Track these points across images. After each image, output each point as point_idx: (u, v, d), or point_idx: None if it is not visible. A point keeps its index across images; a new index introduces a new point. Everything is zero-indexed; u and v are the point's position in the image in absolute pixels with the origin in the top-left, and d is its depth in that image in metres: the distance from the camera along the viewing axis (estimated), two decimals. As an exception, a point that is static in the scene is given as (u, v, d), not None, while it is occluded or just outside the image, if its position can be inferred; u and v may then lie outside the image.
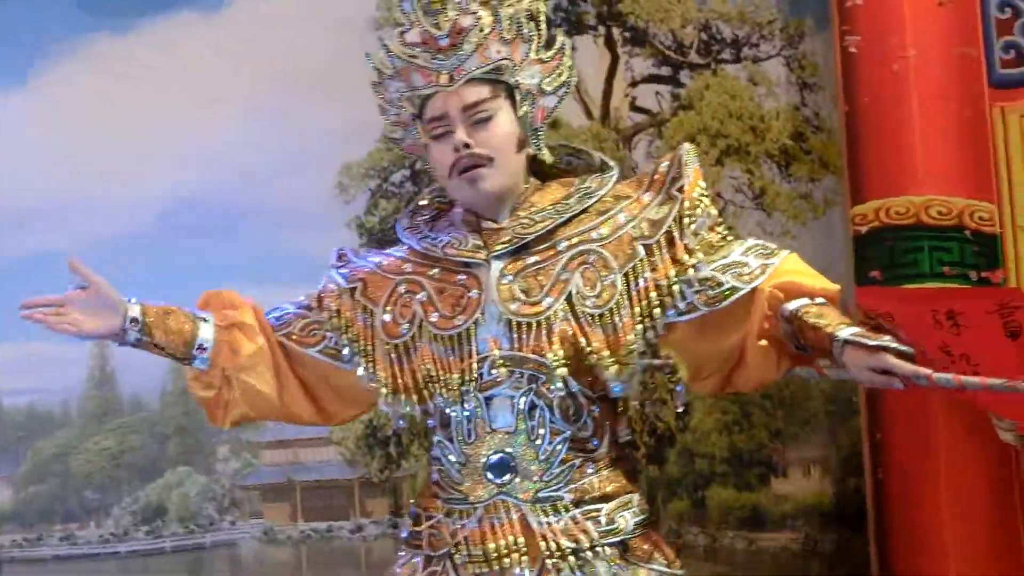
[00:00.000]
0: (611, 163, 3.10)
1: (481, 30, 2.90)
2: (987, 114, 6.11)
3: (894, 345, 2.73)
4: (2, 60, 8.94)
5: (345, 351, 2.98)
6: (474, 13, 2.90)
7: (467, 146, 2.88)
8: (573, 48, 9.03)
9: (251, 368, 3.05)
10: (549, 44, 3.01)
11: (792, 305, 2.89)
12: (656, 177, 3.05)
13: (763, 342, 2.91)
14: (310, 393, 3.07)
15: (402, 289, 2.98)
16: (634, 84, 8.97)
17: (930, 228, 6.01)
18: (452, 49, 2.88)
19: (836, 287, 2.96)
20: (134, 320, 2.92)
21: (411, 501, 3.06)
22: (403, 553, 3.01)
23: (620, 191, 3.05)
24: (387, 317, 2.97)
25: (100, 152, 7.70)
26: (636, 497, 2.96)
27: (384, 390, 2.92)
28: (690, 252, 2.96)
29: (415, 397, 2.89)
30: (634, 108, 8.97)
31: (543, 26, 2.95)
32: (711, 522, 8.62)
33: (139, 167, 7.74)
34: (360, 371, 2.93)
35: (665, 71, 8.89)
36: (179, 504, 8.41)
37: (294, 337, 3.03)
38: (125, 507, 8.61)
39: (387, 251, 3.06)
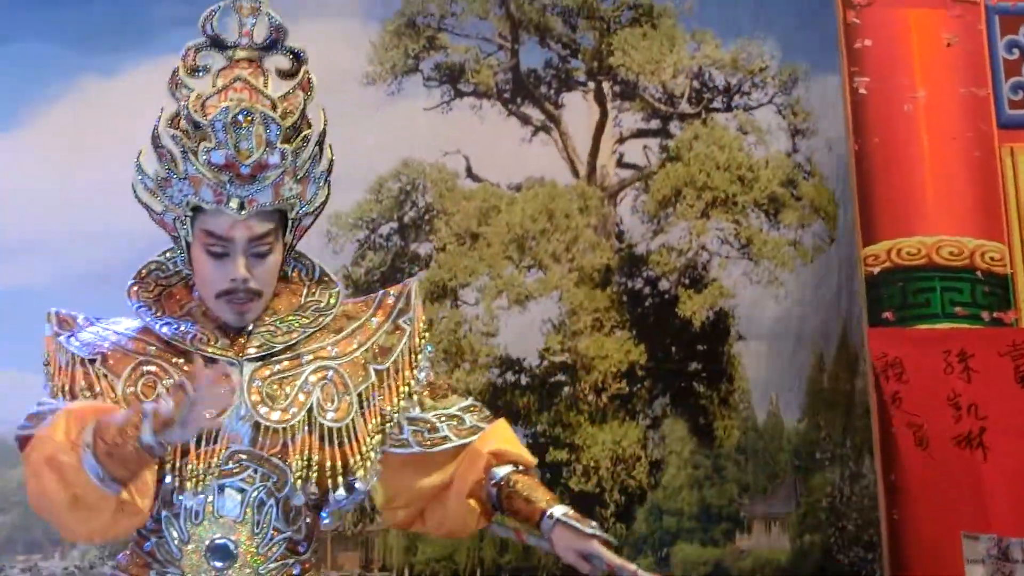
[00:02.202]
0: (332, 276, 3.03)
1: (281, 169, 2.78)
2: (996, 154, 5.91)
3: (603, 535, 2.80)
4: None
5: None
6: (280, 150, 2.75)
7: (245, 281, 2.75)
8: (560, 105, 9.40)
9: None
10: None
11: (501, 471, 2.94)
12: (384, 304, 3.00)
13: (471, 501, 2.94)
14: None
15: (147, 369, 2.77)
16: (622, 140, 8.74)
17: (942, 268, 5.83)
18: (251, 180, 2.72)
19: (534, 460, 3.03)
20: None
21: (111, 563, 2.86)
22: None
23: (349, 310, 2.99)
24: (128, 390, 2.74)
25: (86, 187, 7.38)
26: None
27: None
28: (414, 391, 2.95)
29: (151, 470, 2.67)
30: (621, 164, 8.76)
31: (325, 147, 2.81)
32: None
33: (121, 202, 7.38)
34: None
35: (654, 124, 8.66)
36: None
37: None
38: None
39: (115, 322, 2.83)
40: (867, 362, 6.01)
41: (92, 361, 2.77)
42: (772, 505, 8.37)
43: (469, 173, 8.84)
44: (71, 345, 2.79)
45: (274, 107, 2.78)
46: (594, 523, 2.76)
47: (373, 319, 2.93)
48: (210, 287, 2.78)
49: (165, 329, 2.80)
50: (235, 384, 2.65)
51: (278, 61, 2.91)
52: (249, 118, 2.70)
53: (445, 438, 2.88)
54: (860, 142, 5.90)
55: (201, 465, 2.69)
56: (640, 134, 8.76)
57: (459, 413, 2.94)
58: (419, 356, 2.94)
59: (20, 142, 8.31)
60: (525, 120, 8.84)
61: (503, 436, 2.99)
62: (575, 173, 8.76)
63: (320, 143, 2.85)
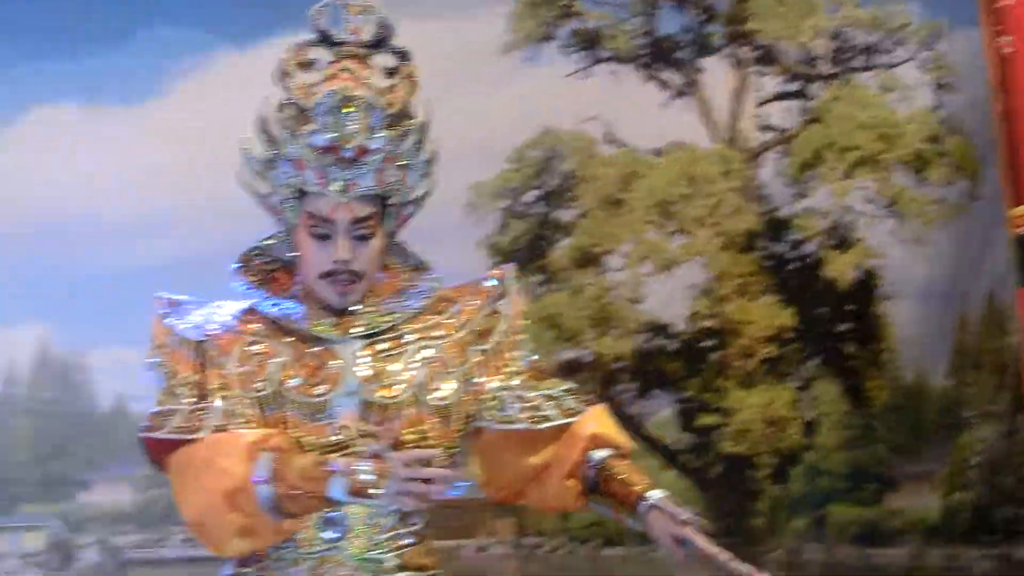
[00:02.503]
0: (428, 263, 2.95)
1: (384, 153, 2.76)
2: None
3: (698, 521, 2.71)
4: (128, 80, 8.96)
5: (202, 403, 2.77)
6: (383, 137, 2.75)
7: (347, 262, 2.74)
8: (699, 70, 9.34)
9: None
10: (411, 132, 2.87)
11: (599, 454, 2.88)
12: (482, 288, 2.97)
13: (570, 481, 2.90)
14: None
15: (255, 348, 2.81)
16: (762, 104, 8.67)
17: (1088, 227, 5.61)
18: (353, 164, 2.73)
19: (632, 445, 2.95)
20: None
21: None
22: None
23: (447, 294, 2.96)
24: (240, 369, 2.78)
25: (218, 165, 7.50)
26: (440, 573, 2.88)
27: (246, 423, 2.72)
28: (516, 371, 2.91)
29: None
30: (762, 127, 8.70)
31: (428, 140, 2.80)
32: (829, 538, 8.39)
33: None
34: (218, 402, 2.71)
35: (794, 86, 8.58)
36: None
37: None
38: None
39: (220, 304, 2.84)
40: (1017, 322, 5.87)
41: (201, 342, 2.81)
42: (921, 464, 8.36)
43: (609, 139, 8.86)
44: (179, 328, 2.84)
45: (377, 96, 2.77)
46: (690, 510, 2.72)
47: (473, 302, 2.93)
48: (313, 268, 2.79)
49: (273, 309, 2.83)
50: (340, 359, 2.74)
51: (384, 59, 2.94)
52: (352, 104, 2.72)
53: (548, 416, 2.85)
54: (1005, 102, 5.72)
55: (311, 439, 2.71)
56: (780, 97, 8.70)
57: (561, 395, 2.88)
58: (519, 339, 2.91)
59: (152, 118, 8.53)
60: (664, 85, 8.80)
61: (603, 420, 2.94)
62: (715, 137, 8.73)
63: (422, 135, 2.82)
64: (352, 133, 2.72)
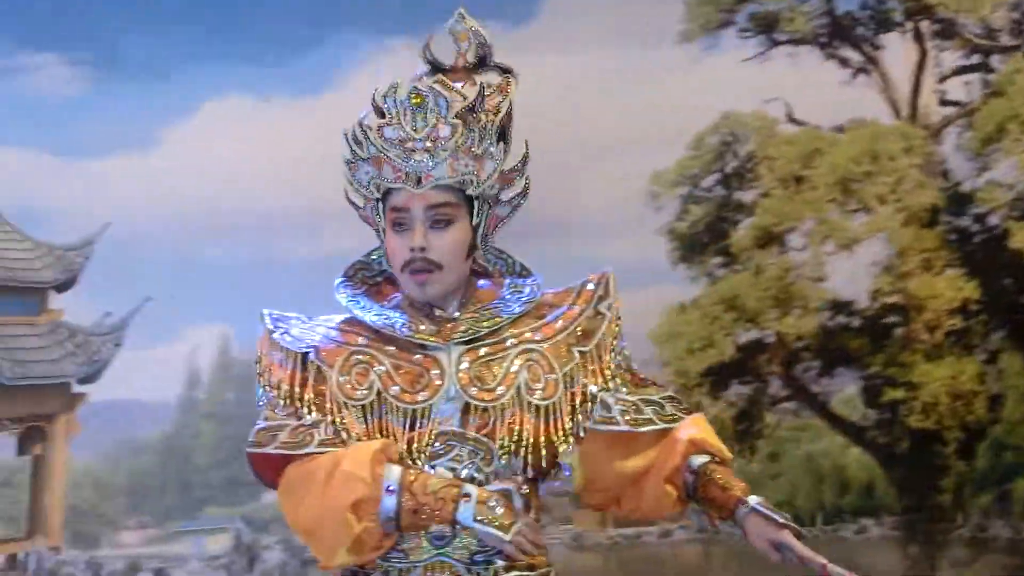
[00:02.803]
0: (530, 269, 2.93)
1: (456, 142, 2.77)
2: None
3: (795, 526, 2.66)
4: (304, 71, 9.19)
5: (307, 416, 2.79)
6: (453, 124, 2.76)
7: (423, 250, 2.76)
8: (879, 47, 9.33)
9: None
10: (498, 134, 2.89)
11: (699, 460, 2.85)
12: (584, 291, 2.93)
13: (668, 486, 2.87)
14: None
15: (356, 359, 2.83)
16: (943, 78, 8.59)
17: None
18: (426, 153, 2.77)
19: (730, 455, 2.89)
20: None
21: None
22: None
23: (550, 299, 2.93)
24: (343, 379, 2.80)
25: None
26: (552, 571, 2.85)
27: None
28: (616, 374, 2.88)
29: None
30: (943, 102, 8.63)
31: (510, 136, 2.82)
32: (1015, 515, 8.24)
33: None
34: (320, 417, 2.74)
35: (974, 60, 8.50)
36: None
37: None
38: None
39: (325, 319, 2.88)
40: None
41: (306, 354, 2.84)
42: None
43: (790, 118, 8.94)
44: (285, 341, 2.87)
45: (448, 89, 2.81)
46: (787, 515, 2.67)
47: (575, 306, 2.92)
48: (396, 261, 2.81)
49: (375, 319, 2.85)
50: (442, 367, 2.76)
51: (489, 77, 3.01)
52: (422, 96, 2.75)
53: (649, 420, 2.86)
54: None
55: (413, 447, 2.75)
56: (961, 71, 8.62)
57: (661, 400, 2.89)
58: (618, 341, 2.89)
59: (330, 106, 8.69)
60: (844, 63, 8.84)
61: (702, 427, 2.91)
62: (896, 113, 8.69)
63: (504, 132, 2.83)
64: (422, 123, 2.77)
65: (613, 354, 2.85)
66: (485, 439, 2.73)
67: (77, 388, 10.75)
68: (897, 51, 8.62)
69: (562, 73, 8.72)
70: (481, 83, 2.84)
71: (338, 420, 2.76)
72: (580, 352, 2.83)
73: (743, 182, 8.97)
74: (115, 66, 9.97)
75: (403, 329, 2.79)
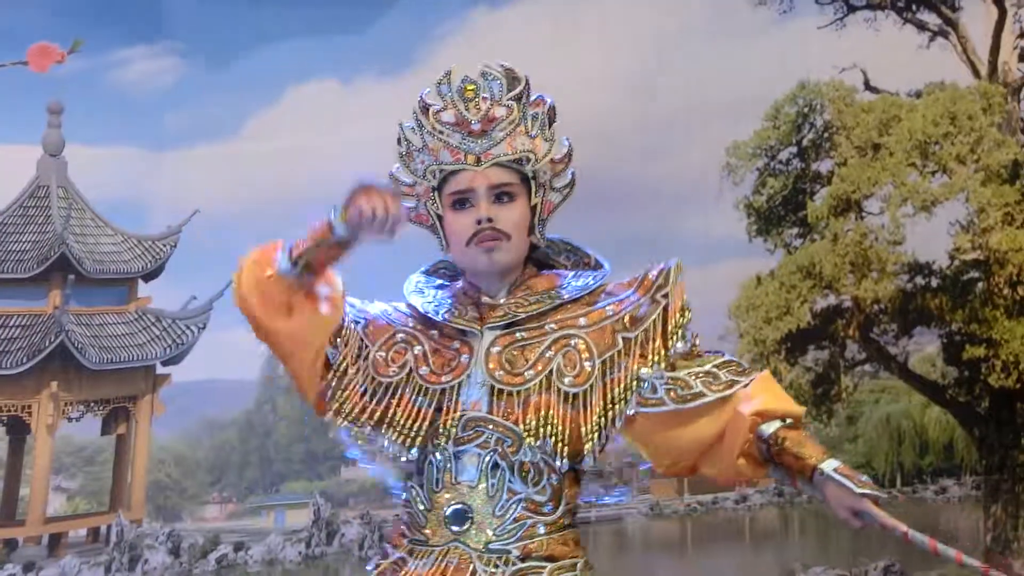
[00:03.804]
0: (604, 262, 2.94)
1: (512, 122, 2.83)
2: None
3: (875, 493, 2.64)
4: (388, 50, 9.22)
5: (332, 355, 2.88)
6: (507, 106, 2.82)
7: (490, 220, 2.80)
8: (957, 8, 9.23)
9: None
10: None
11: (769, 428, 2.81)
12: (644, 281, 2.88)
13: (741, 460, 2.84)
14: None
15: (399, 338, 2.90)
16: (1023, 35, 8.49)
17: None
18: (483, 134, 2.83)
19: (802, 409, 2.87)
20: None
21: (384, 543, 2.90)
22: None
23: (609, 288, 2.92)
24: (380, 355, 2.88)
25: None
26: (580, 563, 2.80)
27: (338, 408, 2.80)
28: (665, 353, 2.83)
29: (381, 430, 2.76)
30: (1023, 59, 8.50)
31: (555, 130, 2.83)
32: None
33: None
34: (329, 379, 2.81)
35: (1056, 15, 8.43)
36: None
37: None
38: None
39: (394, 304, 2.96)
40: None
41: (357, 323, 2.93)
42: None
43: (867, 86, 8.86)
44: (350, 314, 2.95)
45: (499, 70, 2.82)
46: (866, 478, 2.66)
47: (633, 294, 2.89)
48: (460, 238, 2.82)
49: (425, 305, 2.93)
50: (473, 351, 2.79)
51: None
52: (474, 84, 2.80)
53: (699, 394, 2.82)
54: None
55: (440, 429, 2.75)
56: (1043, 27, 8.54)
57: (713, 370, 2.83)
58: (671, 326, 2.85)
59: (413, 84, 8.67)
60: (921, 27, 8.79)
61: (768, 390, 2.87)
62: (976, 74, 8.62)
63: (551, 116, 2.86)
64: (476, 106, 2.81)
65: (663, 339, 2.81)
66: (512, 424, 2.75)
67: (161, 370, 10.93)
68: (976, 12, 8.51)
69: (634, 39, 8.75)
70: (526, 76, 2.87)
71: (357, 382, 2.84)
72: (624, 338, 2.82)
73: (820, 152, 8.89)
74: (200, 56, 10.10)
75: (444, 315, 2.85)
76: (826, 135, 8.90)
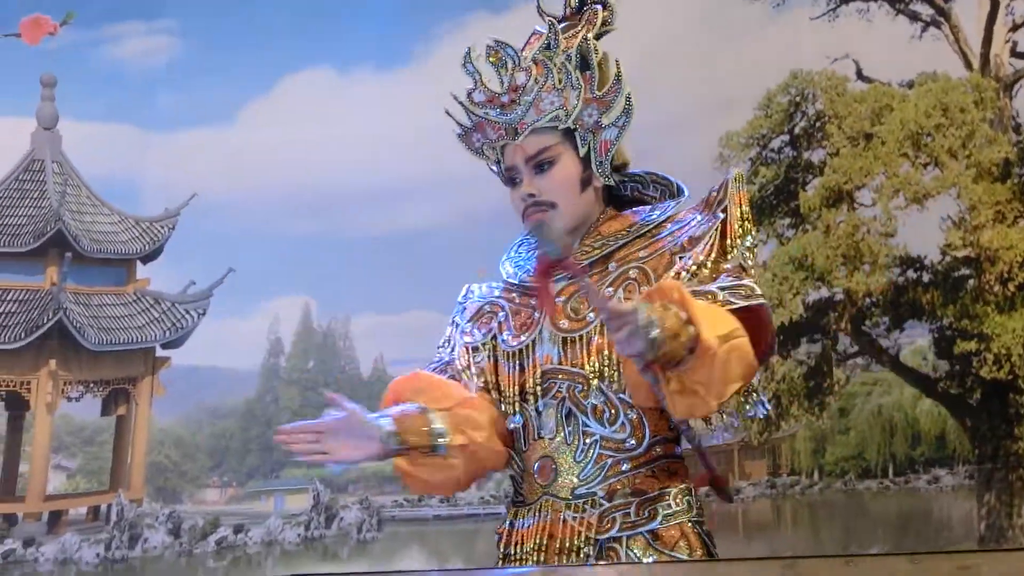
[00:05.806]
0: (685, 189, 2.86)
1: (535, 82, 2.79)
2: None
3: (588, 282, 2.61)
4: (387, 42, 9.11)
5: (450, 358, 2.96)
6: (526, 69, 2.79)
7: (531, 195, 2.80)
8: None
9: (489, 435, 2.85)
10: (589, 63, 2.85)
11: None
12: (708, 200, 2.82)
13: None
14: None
15: (486, 308, 2.96)
16: (1015, 28, 8.39)
17: None
18: (512, 105, 2.80)
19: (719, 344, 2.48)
20: (392, 434, 2.77)
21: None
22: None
23: (677, 215, 2.84)
24: (468, 326, 2.95)
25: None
26: (674, 491, 2.76)
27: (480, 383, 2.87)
28: (689, 268, 2.74)
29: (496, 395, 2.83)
30: (1015, 53, 8.42)
31: (595, 63, 2.80)
32: None
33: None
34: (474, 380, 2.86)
35: (1049, 9, 8.30)
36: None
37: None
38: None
39: (491, 283, 2.99)
40: None
41: (460, 303, 2.99)
42: None
43: (860, 75, 8.77)
44: (462, 295, 3.02)
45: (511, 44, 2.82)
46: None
47: (697, 216, 2.82)
48: (518, 214, 2.86)
49: (510, 270, 2.95)
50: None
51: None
52: (493, 54, 2.79)
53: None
54: None
55: (515, 388, 2.79)
56: (1034, 21, 8.42)
57: (716, 290, 2.65)
58: (732, 243, 2.74)
59: (410, 79, 8.63)
60: (914, 17, 8.67)
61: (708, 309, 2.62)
62: (968, 66, 8.50)
63: (586, 61, 2.81)
64: (500, 78, 2.79)
65: (725, 253, 2.71)
66: (578, 369, 2.71)
67: (160, 352, 10.83)
68: (968, 3, 8.40)
69: (634, 39, 8.95)
70: (551, 19, 2.83)
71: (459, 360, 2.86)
72: (680, 259, 2.73)
73: (812, 142, 8.83)
74: (194, 37, 9.97)
75: (521, 276, 2.86)
76: (818, 124, 8.83)
